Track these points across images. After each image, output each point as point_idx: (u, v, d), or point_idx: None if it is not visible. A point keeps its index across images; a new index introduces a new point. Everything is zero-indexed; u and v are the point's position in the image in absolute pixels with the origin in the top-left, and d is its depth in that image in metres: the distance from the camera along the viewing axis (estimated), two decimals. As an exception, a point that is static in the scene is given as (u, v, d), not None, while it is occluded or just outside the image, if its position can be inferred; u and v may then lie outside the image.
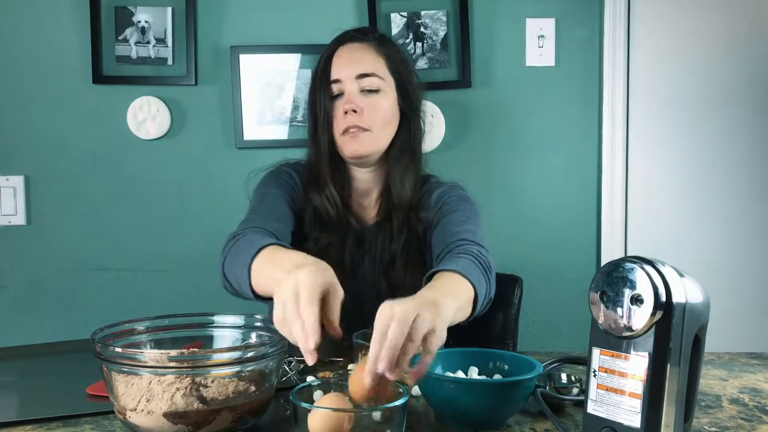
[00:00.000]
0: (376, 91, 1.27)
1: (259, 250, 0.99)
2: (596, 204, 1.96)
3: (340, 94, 1.27)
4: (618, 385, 0.68)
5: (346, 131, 1.26)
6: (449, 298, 0.89)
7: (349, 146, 1.27)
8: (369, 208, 1.36)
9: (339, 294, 0.83)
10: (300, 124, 1.91)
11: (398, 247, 1.27)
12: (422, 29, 1.90)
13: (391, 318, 0.75)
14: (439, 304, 0.83)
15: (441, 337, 0.80)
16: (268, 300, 0.96)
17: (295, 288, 0.78)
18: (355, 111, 1.25)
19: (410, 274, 1.26)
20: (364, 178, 1.34)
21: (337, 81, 1.27)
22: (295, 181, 1.34)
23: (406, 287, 1.25)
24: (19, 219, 1.90)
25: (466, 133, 1.94)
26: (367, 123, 1.26)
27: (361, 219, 1.34)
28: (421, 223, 1.30)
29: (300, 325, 0.76)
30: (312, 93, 1.31)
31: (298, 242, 1.30)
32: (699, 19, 1.93)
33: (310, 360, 0.75)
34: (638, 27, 1.93)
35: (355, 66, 1.27)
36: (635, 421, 0.67)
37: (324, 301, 0.80)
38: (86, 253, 1.92)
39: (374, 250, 1.30)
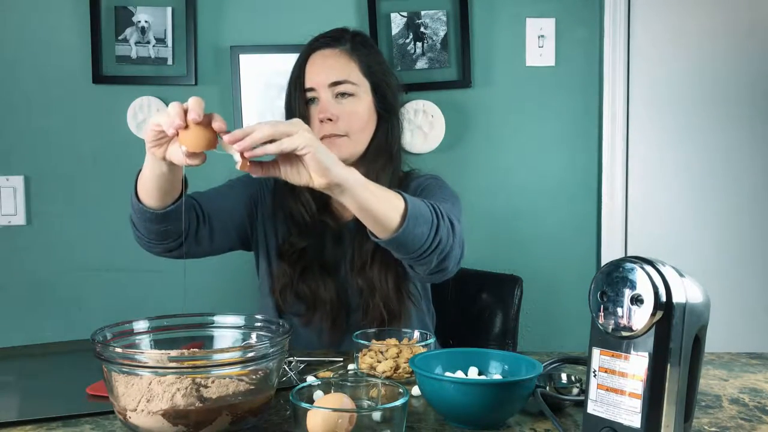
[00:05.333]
0: (351, 96, 1.28)
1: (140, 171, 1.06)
2: (596, 204, 1.96)
3: (315, 100, 1.29)
4: (618, 385, 0.68)
5: (322, 138, 1.27)
6: (366, 182, 0.96)
7: None
8: None
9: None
10: (300, 124, 1.91)
11: (371, 246, 1.26)
12: (422, 29, 1.90)
13: (295, 127, 0.87)
14: (346, 169, 0.93)
15: (308, 157, 0.88)
16: (161, 211, 1.07)
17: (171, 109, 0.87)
18: (330, 119, 1.26)
19: (384, 274, 1.27)
20: None
21: (311, 89, 1.29)
22: (268, 184, 1.38)
23: (382, 286, 1.26)
24: (19, 219, 1.90)
25: (466, 133, 1.94)
26: (344, 129, 1.27)
27: (342, 217, 1.35)
28: None
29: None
30: (288, 99, 1.33)
31: (274, 243, 1.34)
32: (699, 18, 1.93)
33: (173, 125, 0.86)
34: (638, 27, 1.93)
35: (327, 74, 1.28)
36: (635, 421, 0.67)
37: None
38: (86, 253, 1.92)
39: (355, 248, 1.31)
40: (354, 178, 0.94)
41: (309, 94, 1.29)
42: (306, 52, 1.32)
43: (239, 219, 1.34)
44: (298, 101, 1.29)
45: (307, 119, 1.29)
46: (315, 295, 1.28)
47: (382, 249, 1.22)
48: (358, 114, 1.29)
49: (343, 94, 1.28)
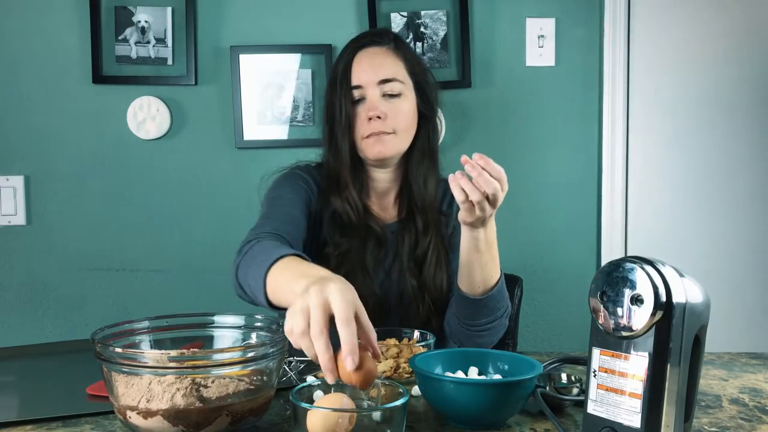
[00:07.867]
0: (398, 95, 1.27)
1: (276, 259, 0.94)
2: (596, 204, 1.96)
3: (362, 99, 1.27)
4: (618, 385, 0.68)
5: (369, 136, 1.26)
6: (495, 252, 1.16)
7: (372, 149, 1.27)
8: (389, 207, 1.36)
9: (364, 311, 0.78)
10: (300, 124, 1.91)
11: (426, 247, 1.28)
12: (422, 29, 1.90)
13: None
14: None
15: None
16: (284, 309, 0.90)
17: (324, 302, 0.73)
18: (379, 117, 1.25)
19: (439, 273, 1.28)
20: (383, 179, 1.34)
21: (358, 87, 1.27)
22: (310, 185, 1.32)
23: (435, 286, 1.27)
24: (19, 219, 1.90)
25: (466, 133, 1.94)
26: (391, 127, 1.26)
27: (381, 219, 1.34)
28: (446, 227, 1.33)
29: (323, 342, 0.71)
30: (330, 97, 1.30)
31: (314, 246, 1.30)
32: (699, 19, 1.93)
33: (332, 378, 0.71)
34: (638, 27, 1.93)
35: (376, 71, 1.27)
36: (635, 421, 0.67)
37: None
38: (86, 253, 1.92)
39: (397, 250, 1.31)
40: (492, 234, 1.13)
41: (356, 92, 1.27)
42: (351, 50, 1.30)
43: (306, 237, 1.27)
44: (344, 100, 1.26)
45: (352, 119, 1.27)
46: None
47: (439, 250, 1.29)
48: (405, 112, 1.28)
49: (390, 95, 1.27)
